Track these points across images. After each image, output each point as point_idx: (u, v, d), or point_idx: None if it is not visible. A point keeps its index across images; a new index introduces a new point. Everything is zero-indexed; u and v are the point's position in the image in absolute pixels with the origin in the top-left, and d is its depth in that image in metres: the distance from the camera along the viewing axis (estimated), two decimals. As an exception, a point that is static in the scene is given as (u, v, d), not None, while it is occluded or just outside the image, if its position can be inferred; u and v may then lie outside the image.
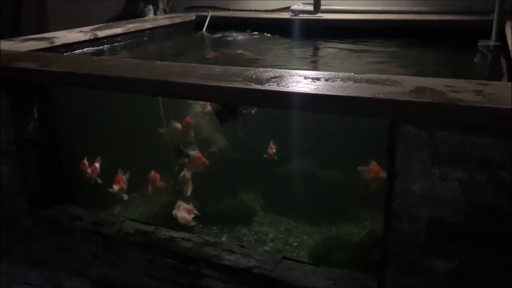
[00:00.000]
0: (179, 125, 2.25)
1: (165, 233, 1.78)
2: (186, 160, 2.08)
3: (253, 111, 1.67)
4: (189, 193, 2.09)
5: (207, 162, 2.09)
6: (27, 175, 1.90)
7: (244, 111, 1.63)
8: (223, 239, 2.19)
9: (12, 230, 2.02)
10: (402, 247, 1.25)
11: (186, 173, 2.09)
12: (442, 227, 1.18)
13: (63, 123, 2.03)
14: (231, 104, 1.58)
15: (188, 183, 2.08)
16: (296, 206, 2.31)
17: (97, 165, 2.06)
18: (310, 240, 2.19)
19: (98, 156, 2.09)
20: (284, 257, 1.61)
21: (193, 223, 1.94)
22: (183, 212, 1.93)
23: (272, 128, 2.26)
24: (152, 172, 2.13)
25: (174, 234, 1.77)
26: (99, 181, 2.04)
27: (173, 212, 1.94)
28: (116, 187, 1.99)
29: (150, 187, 2.12)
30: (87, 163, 2.05)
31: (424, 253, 1.22)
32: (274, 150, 2.17)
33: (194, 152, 2.09)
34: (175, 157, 2.10)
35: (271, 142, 2.17)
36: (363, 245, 1.97)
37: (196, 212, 1.95)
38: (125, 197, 2.05)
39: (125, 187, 2.01)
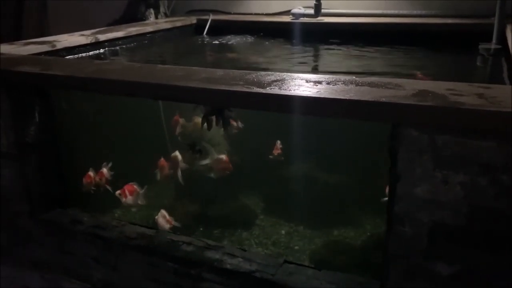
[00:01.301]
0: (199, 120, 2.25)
1: (166, 236, 1.78)
2: (197, 155, 2.07)
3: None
4: (180, 177, 2.09)
5: (232, 168, 2.09)
6: (28, 178, 1.89)
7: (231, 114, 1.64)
8: (225, 242, 2.19)
9: (12, 233, 2.02)
10: (404, 251, 1.25)
11: (178, 155, 2.09)
12: (444, 230, 1.18)
13: (64, 125, 2.03)
14: (218, 108, 1.59)
15: (178, 166, 2.09)
16: (297, 209, 2.31)
17: (104, 170, 2.03)
18: (311, 244, 2.18)
19: (98, 158, 2.07)
20: (285, 261, 1.61)
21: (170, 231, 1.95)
22: (163, 220, 1.95)
23: (273, 131, 2.26)
24: (162, 159, 2.13)
25: (175, 237, 1.77)
26: (109, 188, 2.00)
27: (155, 217, 1.96)
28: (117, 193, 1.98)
29: (158, 174, 2.11)
30: (92, 174, 2.00)
31: (426, 256, 1.22)
32: (280, 151, 2.17)
33: (223, 156, 2.09)
34: (191, 152, 2.10)
35: (277, 142, 2.18)
36: (365, 249, 1.97)
37: (174, 223, 1.96)
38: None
39: (135, 198, 1.99)
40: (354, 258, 1.93)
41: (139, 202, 1.98)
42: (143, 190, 1.99)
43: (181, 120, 2.33)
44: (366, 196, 2.11)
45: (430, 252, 1.21)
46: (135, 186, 1.98)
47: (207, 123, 1.61)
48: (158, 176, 2.13)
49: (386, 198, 1.49)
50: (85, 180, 2.00)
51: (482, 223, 1.14)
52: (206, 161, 2.11)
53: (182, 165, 2.12)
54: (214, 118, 1.61)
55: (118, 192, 1.96)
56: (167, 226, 1.94)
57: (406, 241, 1.23)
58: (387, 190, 1.61)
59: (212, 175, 2.10)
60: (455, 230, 1.17)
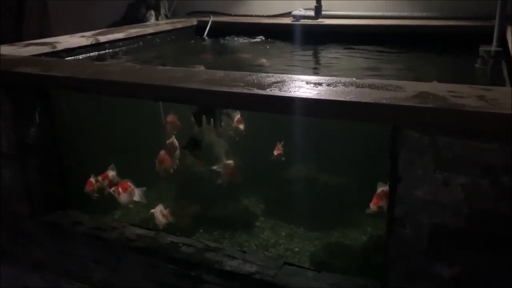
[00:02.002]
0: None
1: (166, 238, 1.78)
2: (190, 145, 2.08)
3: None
4: (176, 163, 2.13)
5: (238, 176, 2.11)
6: (28, 179, 1.89)
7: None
8: (225, 244, 2.19)
9: (13, 234, 2.02)
10: (404, 253, 1.25)
11: (175, 141, 2.12)
12: (445, 232, 1.18)
13: (64, 125, 2.02)
14: (208, 107, 1.61)
15: (175, 151, 2.12)
16: (297, 211, 2.31)
17: (111, 173, 1.99)
18: (311, 246, 2.18)
19: (99, 159, 2.07)
20: (285, 263, 1.61)
21: (166, 226, 1.95)
22: (159, 214, 1.96)
23: (273, 132, 2.26)
24: (162, 153, 2.13)
25: (175, 239, 1.77)
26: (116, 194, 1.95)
27: (152, 210, 1.96)
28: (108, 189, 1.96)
29: (158, 166, 2.12)
30: (94, 181, 1.96)
31: (426, 258, 1.22)
32: (280, 151, 2.17)
33: (231, 162, 2.11)
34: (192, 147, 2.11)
35: (278, 143, 2.18)
36: (365, 250, 1.97)
37: (170, 219, 1.97)
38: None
39: (129, 195, 1.97)
40: (354, 260, 1.93)
41: (135, 199, 1.97)
42: (139, 189, 1.98)
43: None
44: (366, 197, 2.11)
45: (431, 254, 1.21)
46: (129, 184, 1.97)
47: (197, 121, 1.64)
48: (157, 169, 2.13)
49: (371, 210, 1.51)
50: (87, 188, 1.97)
51: (483, 225, 1.14)
52: (216, 166, 2.13)
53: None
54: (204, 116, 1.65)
55: (112, 189, 1.95)
56: (163, 220, 1.94)
57: (407, 243, 1.23)
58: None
59: (219, 181, 2.12)
60: (456, 231, 1.17)
